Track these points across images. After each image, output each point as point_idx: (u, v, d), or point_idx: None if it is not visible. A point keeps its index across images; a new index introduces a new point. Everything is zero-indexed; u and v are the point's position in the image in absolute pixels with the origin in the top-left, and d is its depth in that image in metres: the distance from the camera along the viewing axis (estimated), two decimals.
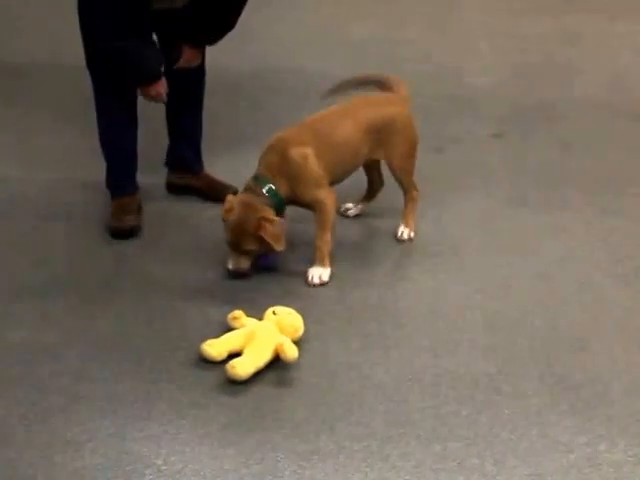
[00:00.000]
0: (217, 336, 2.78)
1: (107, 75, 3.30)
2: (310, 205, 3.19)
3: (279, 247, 3.04)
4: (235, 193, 3.51)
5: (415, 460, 2.41)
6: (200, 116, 3.76)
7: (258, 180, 3.12)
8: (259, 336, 2.75)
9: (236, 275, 3.15)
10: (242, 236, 3.04)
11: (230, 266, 3.13)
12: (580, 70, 5.24)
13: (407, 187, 3.46)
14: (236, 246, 3.08)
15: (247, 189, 3.14)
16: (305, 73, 5.11)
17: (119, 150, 3.56)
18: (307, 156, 3.11)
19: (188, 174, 3.77)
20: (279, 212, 3.13)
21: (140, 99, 3.41)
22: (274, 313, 2.84)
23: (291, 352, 2.70)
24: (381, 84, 3.51)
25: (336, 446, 2.45)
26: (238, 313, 2.86)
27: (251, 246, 3.06)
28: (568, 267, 3.33)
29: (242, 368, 2.65)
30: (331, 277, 3.19)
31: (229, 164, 3.95)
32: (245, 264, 3.12)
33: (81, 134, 3.82)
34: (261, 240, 3.03)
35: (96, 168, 3.59)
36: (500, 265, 3.32)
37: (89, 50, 3.30)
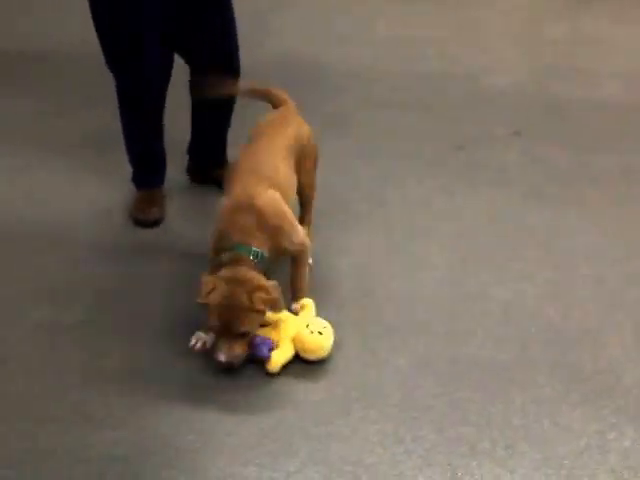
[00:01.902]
0: None
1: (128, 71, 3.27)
2: (294, 252, 2.87)
3: (279, 309, 2.66)
4: None
5: (428, 444, 2.47)
6: (229, 118, 3.66)
7: (241, 249, 2.66)
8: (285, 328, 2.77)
9: (229, 366, 2.63)
10: (235, 317, 2.55)
11: (222, 358, 2.58)
12: (597, 71, 5.24)
13: (310, 206, 3.26)
14: (227, 330, 2.56)
15: (231, 262, 2.65)
16: (327, 69, 5.16)
17: (145, 151, 3.56)
18: (276, 198, 2.80)
19: (209, 164, 3.76)
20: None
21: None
22: (307, 326, 2.76)
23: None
24: (269, 99, 3.26)
25: (351, 429, 2.51)
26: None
27: (248, 326, 2.58)
28: (583, 262, 3.36)
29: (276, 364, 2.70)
30: (350, 266, 3.26)
31: None
32: (240, 351, 2.60)
33: (102, 120, 3.86)
34: (258, 315, 2.61)
35: (118, 155, 3.63)
36: (516, 259, 3.36)
37: (106, 47, 3.24)
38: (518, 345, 2.88)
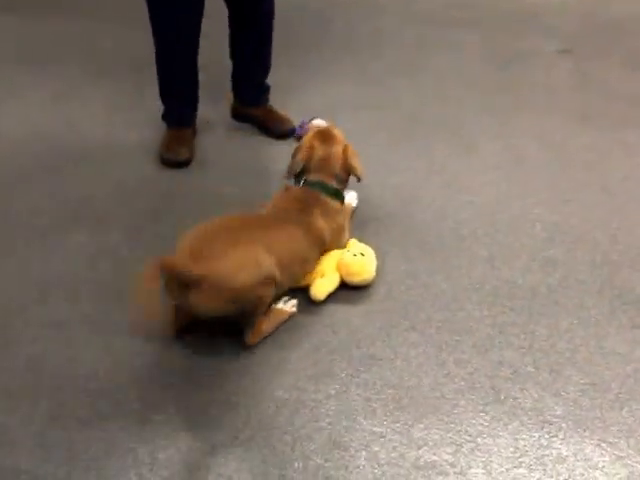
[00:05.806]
0: None
1: None
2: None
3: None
4: (292, 132, 3.47)
5: (470, 367, 2.42)
6: (268, 53, 3.52)
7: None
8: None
9: None
10: None
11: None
12: None
13: None
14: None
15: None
16: None
17: (177, 82, 3.40)
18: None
19: (249, 105, 3.63)
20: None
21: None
22: (348, 250, 2.73)
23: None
24: None
25: (392, 352, 2.48)
26: None
27: None
28: (631, 183, 3.27)
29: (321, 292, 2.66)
30: (390, 188, 3.18)
31: (292, 82, 3.88)
32: None
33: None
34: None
35: (148, 93, 3.54)
36: (562, 179, 3.28)
37: None
38: (564, 268, 2.81)
